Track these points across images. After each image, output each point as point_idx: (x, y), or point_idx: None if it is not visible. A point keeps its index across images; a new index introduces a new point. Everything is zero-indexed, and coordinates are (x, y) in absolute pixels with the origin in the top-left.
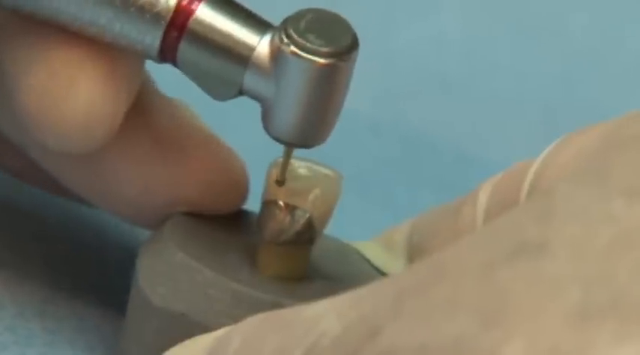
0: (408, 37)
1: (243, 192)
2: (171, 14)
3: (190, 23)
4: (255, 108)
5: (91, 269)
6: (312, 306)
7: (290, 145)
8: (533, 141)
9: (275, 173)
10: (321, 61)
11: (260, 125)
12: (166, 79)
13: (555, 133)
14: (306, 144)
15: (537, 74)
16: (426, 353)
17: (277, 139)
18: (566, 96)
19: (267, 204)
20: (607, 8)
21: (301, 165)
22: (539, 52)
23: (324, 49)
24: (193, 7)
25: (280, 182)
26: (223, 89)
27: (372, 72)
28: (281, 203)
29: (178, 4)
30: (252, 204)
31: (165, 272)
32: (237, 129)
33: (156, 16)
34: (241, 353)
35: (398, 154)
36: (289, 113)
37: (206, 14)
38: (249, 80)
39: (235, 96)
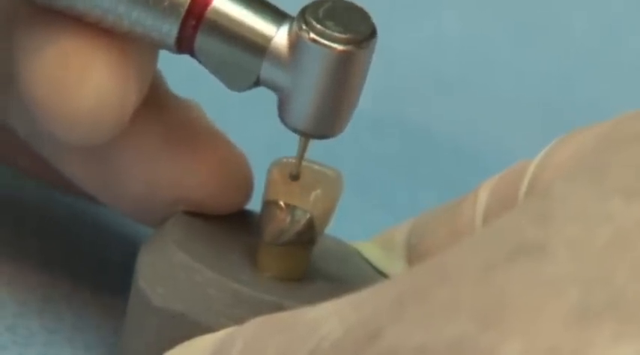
0: (408, 36)
1: (247, 193)
2: (189, 3)
3: (208, 12)
4: (258, 107)
5: (91, 268)
6: (314, 309)
7: (306, 136)
8: (533, 140)
9: (276, 173)
10: (340, 47)
11: (262, 125)
12: (172, 77)
13: (555, 132)
14: (322, 135)
15: (537, 73)
16: (425, 354)
17: (294, 130)
18: (566, 95)
19: (268, 204)
20: (607, 7)
21: (302, 165)
22: (539, 51)
23: (343, 36)
24: None
25: (295, 176)
26: (240, 79)
27: (371, 70)
28: (282, 203)
29: None
30: (254, 204)
31: (165, 272)
32: (239, 129)
33: (174, 5)
34: None
35: (398, 153)
36: (306, 102)
37: (223, 4)
38: (267, 70)
39: (252, 86)
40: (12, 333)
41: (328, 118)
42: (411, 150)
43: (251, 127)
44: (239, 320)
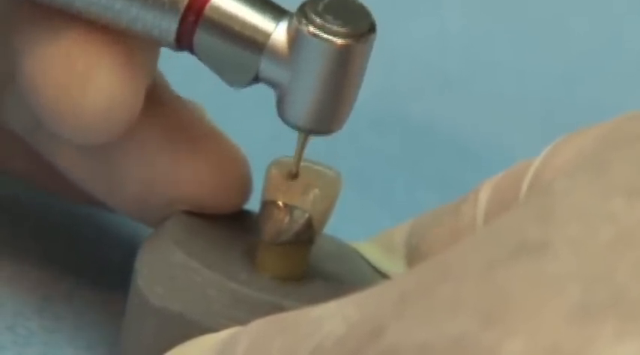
0: (409, 34)
1: (246, 193)
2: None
3: (207, 9)
4: (258, 107)
5: (90, 267)
6: (318, 308)
7: (306, 132)
8: (534, 139)
9: (275, 172)
10: (339, 41)
11: (261, 124)
12: (172, 77)
13: (556, 131)
14: (321, 131)
15: (538, 72)
16: (428, 352)
17: (293, 126)
18: (567, 95)
19: (267, 204)
20: (607, 8)
21: (301, 164)
22: (541, 50)
23: (342, 30)
24: None
25: (294, 175)
26: (239, 75)
27: (372, 68)
28: (280, 203)
29: None
30: (252, 204)
31: (164, 272)
32: (239, 128)
33: (173, 1)
34: (249, 354)
35: (398, 151)
36: (306, 98)
37: (222, 0)
38: (265, 66)
39: (251, 83)
40: (11, 333)
41: (327, 114)
42: (412, 149)
43: (250, 127)
44: (238, 320)
